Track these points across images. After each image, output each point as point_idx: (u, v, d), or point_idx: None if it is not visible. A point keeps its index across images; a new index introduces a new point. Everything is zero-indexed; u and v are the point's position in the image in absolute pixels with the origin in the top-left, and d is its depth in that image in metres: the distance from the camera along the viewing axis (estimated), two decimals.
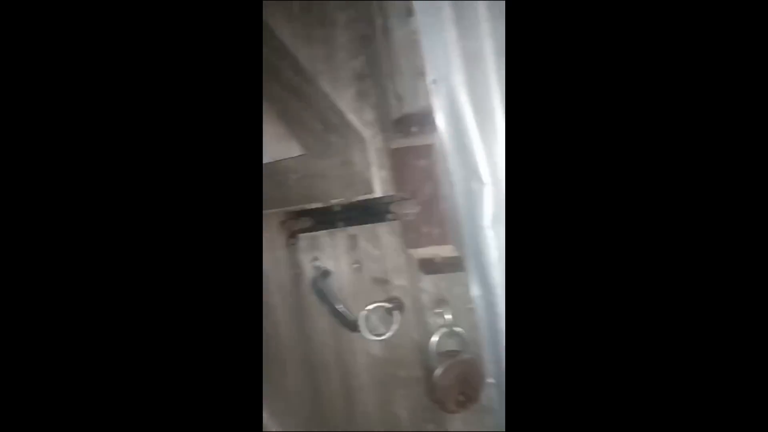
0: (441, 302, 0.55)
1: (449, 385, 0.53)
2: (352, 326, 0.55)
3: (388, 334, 0.54)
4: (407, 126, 0.52)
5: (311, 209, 0.57)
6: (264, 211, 0.60)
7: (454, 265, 0.54)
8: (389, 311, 0.55)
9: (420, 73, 0.51)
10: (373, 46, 0.52)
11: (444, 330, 0.54)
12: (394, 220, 0.53)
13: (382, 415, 0.60)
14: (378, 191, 0.54)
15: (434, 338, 0.54)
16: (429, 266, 0.56)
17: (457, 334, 0.55)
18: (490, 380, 0.55)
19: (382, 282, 0.56)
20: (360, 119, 0.53)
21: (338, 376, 0.62)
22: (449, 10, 0.49)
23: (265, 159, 0.59)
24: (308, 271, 0.61)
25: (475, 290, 0.54)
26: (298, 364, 0.67)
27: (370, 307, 0.54)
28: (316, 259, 0.61)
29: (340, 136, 0.54)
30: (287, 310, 0.66)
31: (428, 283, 0.57)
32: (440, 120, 0.50)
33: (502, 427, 0.58)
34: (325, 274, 0.60)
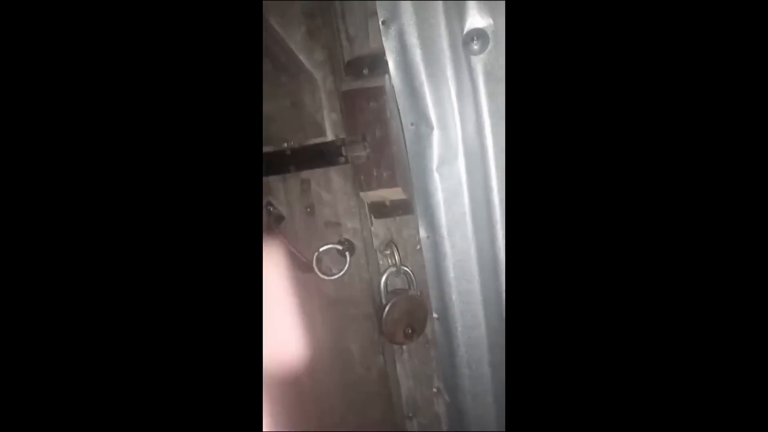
0: (390, 244, 0.56)
1: (397, 318, 0.55)
2: (305, 268, 0.56)
3: (339, 275, 0.55)
4: (359, 68, 0.51)
5: (263, 153, 0.56)
6: None
7: (403, 208, 0.55)
8: (341, 252, 0.55)
9: (372, 13, 0.49)
10: None
11: (392, 269, 0.55)
12: (345, 163, 0.53)
13: (336, 350, 0.62)
14: (329, 134, 0.53)
15: (383, 277, 0.56)
16: (379, 210, 0.56)
17: (404, 273, 0.57)
18: (434, 315, 0.58)
19: (334, 225, 0.56)
20: (310, 60, 0.51)
21: (300, 310, 0.63)
22: None
23: None
24: (271, 212, 0.60)
25: (422, 232, 0.55)
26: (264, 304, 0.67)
27: (322, 249, 0.54)
28: (269, 204, 0.60)
29: (290, 76, 0.52)
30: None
31: (379, 225, 0.58)
32: (390, 63, 0.49)
33: (445, 359, 0.62)
34: (279, 218, 0.59)
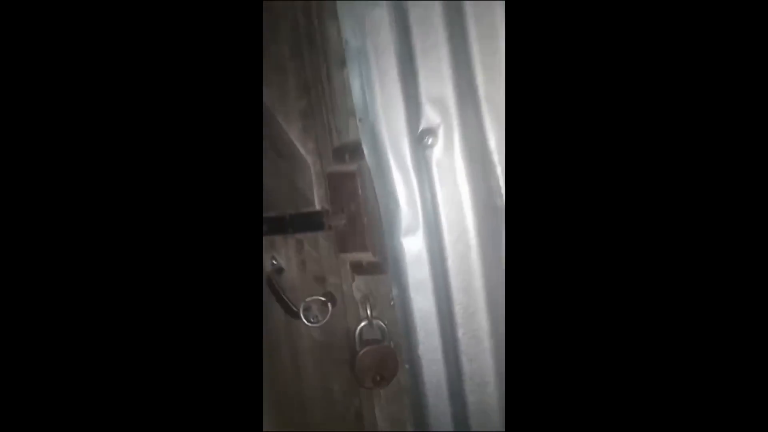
0: (366, 298, 0.65)
1: (367, 366, 0.63)
2: (295, 314, 0.66)
3: (322, 322, 0.64)
4: (341, 154, 0.62)
5: (268, 217, 0.68)
6: None
7: (377, 268, 0.64)
8: (324, 303, 0.65)
9: (352, 112, 0.61)
10: (316, 89, 0.62)
11: (365, 322, 0.63)
12: (329, 229, 0.63)
13: (321, 388, 0.71)
14: (317, 205, 0.64)
15: (357, 328, 0.64)
16: (358, 268, 0.65)
17: (378, 325, 0.64)
18: (406, 366, 0.65)
19: (321, 280, 0.66)
20: (304, 148, 0.63)
21: (288, 354, 0.73)
22: (373, 60, 0.59)
23: None
24: (267, 267, 0.72)
25: (394, 290, 0.63)
26: (268, 344, 0.78)
27: (308, 299, 0.64)
28: (273, 257, 0.71)
29: (288, 161, 0.64)
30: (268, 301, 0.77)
31: (360, 281, 0.67)
32: (366, 151, 0.60)
33: (418, 404, 0.67)
34: (279, 270, 0.70)
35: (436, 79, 0.53)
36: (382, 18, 0.56)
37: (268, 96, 0.65)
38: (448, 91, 0.53)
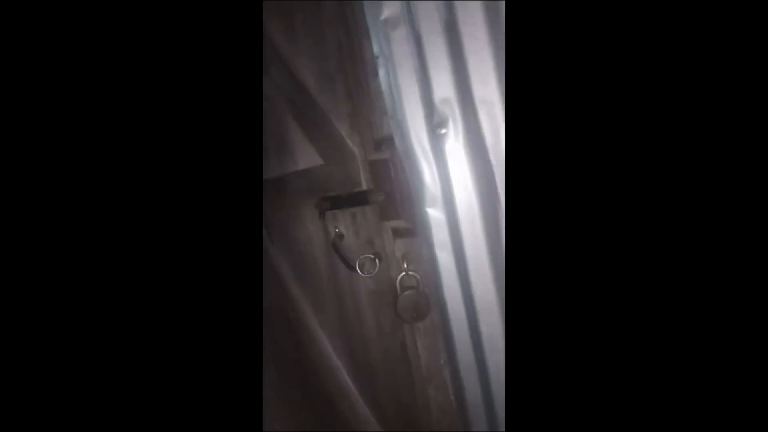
0: (404, 255, 0.83)
1: (406, 306, 0.81)
2: (353, 269, 0.86)
3: (372, 274, 0.84)
4: (379, 145, 0.79)
5: (329, 196, 0.88)
6: (305, 197, 0.93)
7: (410, 232, 0.81)
8: (373, 260, 0.84)
9: (384, 112, 0.77)
10: (358, 95, 0.80)
11: (404, 273, 0.82)
12: (373, 203, 0.82)
13: (375, 325, 0.91)
14: (363, 186, 0.82)
15: (399, 277, 0.83)
16: (397, 232, 0.83)
17: (413, 276, 0.82)
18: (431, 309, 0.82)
19: (370, 242, 0.86)
20: (352, 141, 0.82)
21: (350, 300, 0.94)
22: (398, 70, 0.74)
23: (305, 165, 0.92)
24: (332, 234, 0.93)
25: (423, 249, 0.80)
26: (333, 292, 1.01)
27: (362, 257, 0.84)
28: (336, 227, 0.92)
29: (341, 152, 0.83)
30: (323, 257, 0.99)
31: (399, 242, 0.85)
32: (397, 143, 0.77)
33: (447, 336, 0.84)
34: (341, 236, 0.91)
35: (443, 84, 0.68)
36: (402, 36, 0.71)
37: (323, 101, 0.85)
38: (451, 94, 0.67)
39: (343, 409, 1.06)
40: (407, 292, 0.82)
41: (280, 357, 1.26)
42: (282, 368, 1.28)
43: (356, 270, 0.86)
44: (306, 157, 0.93)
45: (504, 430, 0.76)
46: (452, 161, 0.71)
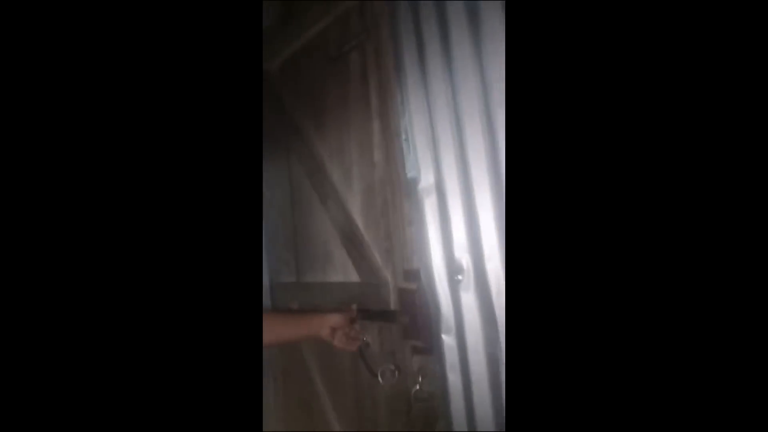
0: (420, 369, 0.98)
1: (417, 417, 0.95)
2: (375, 375, 1.02)
3: (391, 383, 0.99)
4: (407, 276, 0.99)
5: (363, 309, 1.07)
6: (339, 303, 1.12)
7: (426, 351, 0.97)
8: (393, 371, 0.99)
9: (413, 252, 0.98)
10: (395, 236, 1.01)
11: (417, 387, 0.96)
12: (398, 322, 0.99)
13: (389, 425, 1.04)
14: (392, 307, 1.01)
15: (414, 389, 0.97)
16: (416, 350, 1.00)
17: (425, 390, 0.97)
18: (440, 421, 0.95)
19: (391, 354, 1.02)
20: (386, 270, 1.02)
21: (368, 402, 1.08)
22: (431, 224, 0.96)
23: (345, 279, 1.12)
24: (360, 341, 1.10)
25: (437, 367, 0.95)
26: (353, 392, 1.15)
27: (383, 367, 1.00)
28: (366, 337, 1.09)
29: (377, 276, 1.04)
30: (348, 360, 1.15)
31: (416, 358, 1.00)
32: (422, 278, 0.96)
33: None
34: (367, 345, 1.08)
35: (461, 242, 0.89)
36: (432, 202, 0.94)
37: (368, 235, 1.07)
38: (466, 251, 0.87)
39: None
40: (420, 403, 0.96)
41: None
42: None
43: (377, 377, 1.01)
44: (347, 273, 1.13)
45: None
46: (464, 301, 0.89)
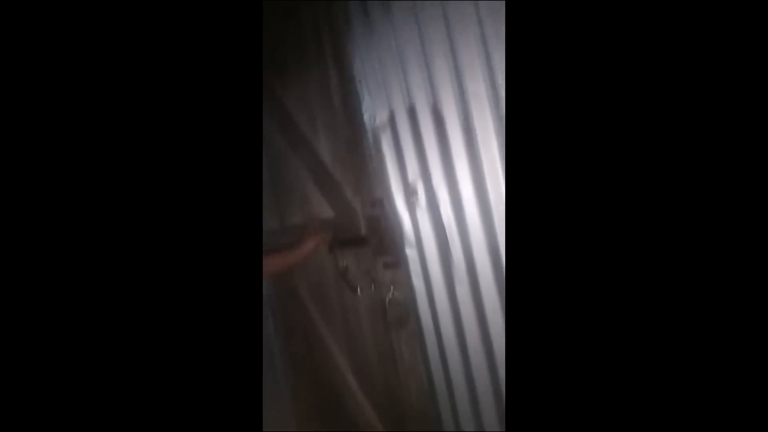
0: (391, 281, 1.16)
1: (392, 318, 1.14)
2: (355, 291, 1.20)
3: (369, 295, 1.17)
4: (373, 205, 1.15)
5: (341, 238, 1.23)
6: (324, 234, 1.28)
7: (395, 265, 1.15)
8: (369, 285, 1.18)
9: (377, 183, 1.13)
10: (360, 172, 1.16)
11: (390, 295, 1.15)
12: (370, 245, 1.16)
13: (372, 332, 1.24)
14: (363, 232, 1.17)
15: (387, 297, 1.16)
16: (387, 265, 1.17)
17: (397, 296, 1.15)
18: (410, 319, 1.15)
19: (367, 272, 1.20)
20: (355, 202, 1.18)
21: (352, 313, 1.28)
22: (388, 155, 1.10)
23: (320, 215, 1.28)
24: (340, 266, 1.27)
25: (404, 276, 1.14)
26: (339, 308, 1.34)
27: (360, 282, 1.18)
28: (344, 261, 1.27)
29: (347, 208, 1.19)
30: (333, 282, 1.33)
31: (387, 272, 1.18)
32: (385, 204, 1.12)
33: (422, 340, 1.16)
34: (346, 268, 1.26)
35: (413, 168, 1.04)
36: (388, 137, 1.08)
37: (336, 173, 1.21)
38: (417, 175, 1.03)
39: (345, 399, 1.36)
40: (393, 307, 1.15)
41: (298, 364, 1.58)
42: (299, 373, 1.59)
43: (357, 292, 1.20)
44: (322, 209, 1.29)
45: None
46: (420, 217, 1.06)
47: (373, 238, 1.17)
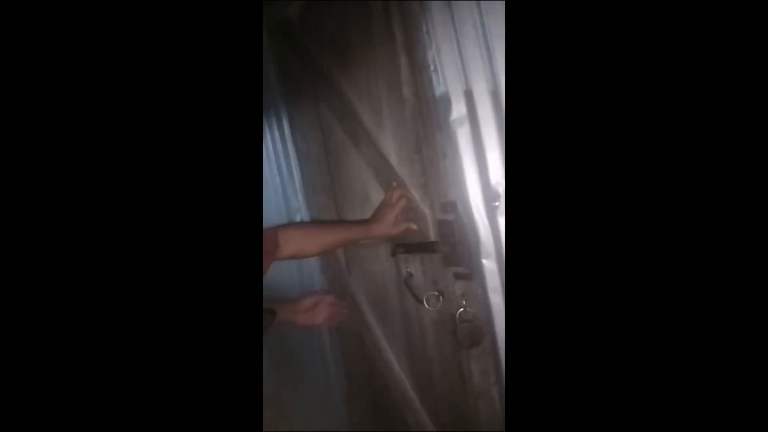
0: (463, 294, 1.03)
1: (463, 336, 1.01)
2: (420, 302, 1.08)
3: (437, 308, 1.05)
4: (444, 208, 1.02)
5: (403, 243, 1.12)
6: (382, 240, 1.17)
7: (468, 276, 1.02)
8: (438, 297, 1.05)
9: (450, 184, 1.00)
10: (430, 171, 1.03)
11: (461, 309, 1.02)
12: (439, 252, 1.04)
13: (437, 349, 1.12)
14: (432, 238, 1.05)
15: (458, 312, 1.03)
16: (458, 276, 1.04)
17: (469, 311, 1.02)
18: (488, 337, 1.02)
19: (435, 282, 1.07)
20: (424, 205, 1.05)
21: (417, 328, 1.16)
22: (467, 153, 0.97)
23: None
24: (404, 273, 1.16)
25: (479, 290, 1.00)
26: (401, 320, 1.23)
27: (428, 293, 1.06)
28: (408, 267, 1.15)
29: (415, 212, 1.07)
30: (395, 290, 1.22)
31: (459, 284, 1.06)
32: (459, 208, 0.99)
33: (497, 361, 1.03)
34: (410, 275, 1.14)
35: (496, 169, 0.90)
36: (465, 131, 0.94)
37: (403, 173, 1.09)
38: (501, 178, 0.88)
39: (406, 415, 1.26)
40: (464, 324, 1.02)
41: (353, 370, 1.50)
42: (353, 380, 1.50)
43: (423, 303, 1.08)
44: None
45: None
46: (502, 226, 0.92)
47: (444, 245, 1.04)
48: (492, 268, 0.97)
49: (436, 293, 1.07)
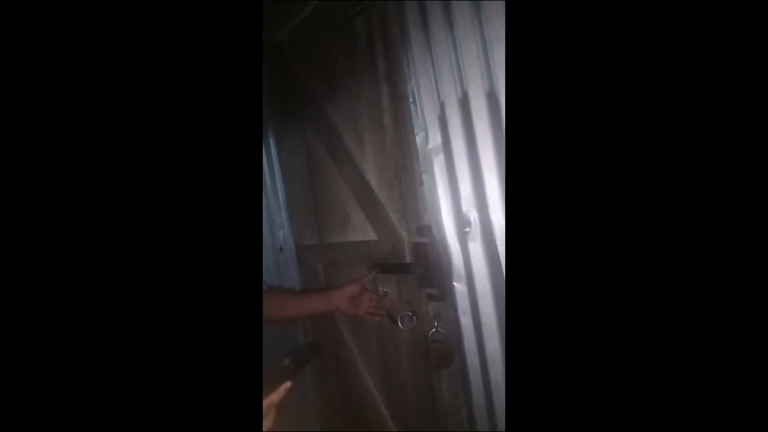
0: (435, 315, 1.07)
1: (434, 356, 1.04)
2: (395, 322, 1.11)
3: (410, 328, 1.08)
4: (420, 232, 1.06)
5: (382, 264, 1.15)
6: (360, 260, 1.20)
7: (440, 298, 1.05)
8: (411, 317, 1.08)
9: (425, 209, 1.04)
10: (408, 196, 1.08)
11: (433, 330, 1.05)
12: (414, 273, 1.07)
13: (410, 368, 1.14)
14: (407, 260, 1.08)
15: (430, 332, 1.06)
16: (431, 297, 1.08)
17: (440, 332, 1.05)
18: (455, 359, 1.04)
19: (409, 302, 1.10)
20: (400, 227, 1.09)
21: (391, 346, 1.18)
22: (440, 181, 1.01)
23: (363, 238, 1.19)
24: (380, 292, 1.19)
25: (450, 312, 1.04)
26: (377, 338, 1.25)
27: (402, 313, 1.09)
28: (384, 287, 1.18)
29: (393, 234, 1.11)
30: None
31: (431, 305, 1.09)
32: (434, 232, 1.03)
33: (465, 380, 1.05)
34: (386, 294, 1.16)
35: (467, 197, 0.94)
36: (441, 161, 0.99)
37: (382, 196, 1.13)
38: (473, 206, 0.93)
39: (376, 429, 1.27)
40: (436, 344, 1.05)
41: (327, 386, 1.50)
42: (328, 396, 1.51)
43: (398, 323, 1.11)
44: (365, 232, 1.21)
45: None
46: (472, 250, 0.96)
47: (419, 267, 1.08)
48: (462, 290, 1.01)
49: (410, 313, 1.10)
